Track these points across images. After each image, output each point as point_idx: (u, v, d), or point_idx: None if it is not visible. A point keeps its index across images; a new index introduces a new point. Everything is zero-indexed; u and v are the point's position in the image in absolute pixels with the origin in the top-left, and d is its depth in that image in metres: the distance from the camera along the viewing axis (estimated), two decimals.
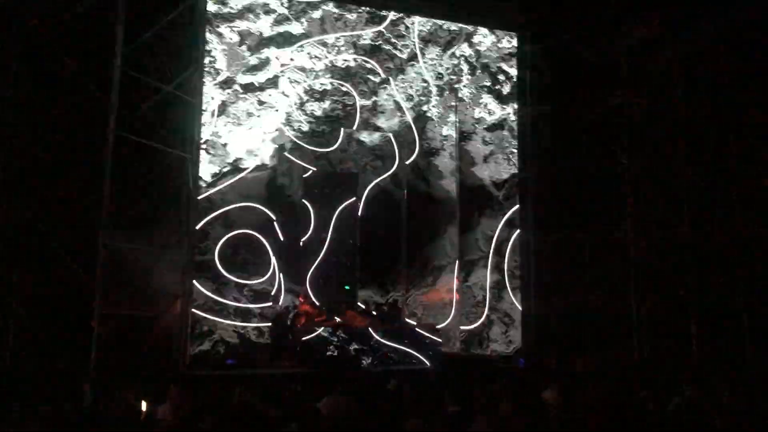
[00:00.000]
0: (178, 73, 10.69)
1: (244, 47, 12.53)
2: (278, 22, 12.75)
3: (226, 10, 12.39)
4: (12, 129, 9.32)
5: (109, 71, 9.67)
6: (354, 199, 13.23)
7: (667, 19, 12.36)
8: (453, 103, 13.91)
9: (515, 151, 13.96)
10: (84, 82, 9.64)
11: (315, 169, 13.07)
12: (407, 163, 13.65)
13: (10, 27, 9.48)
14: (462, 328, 13.29)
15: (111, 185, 9.41)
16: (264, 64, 12.67)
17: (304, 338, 11.31)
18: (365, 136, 13.59)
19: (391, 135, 13.63)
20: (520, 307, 13.21)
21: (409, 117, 13.74)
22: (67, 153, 9.75)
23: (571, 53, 13.01)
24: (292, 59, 12.85)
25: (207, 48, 11.86)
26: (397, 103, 13.66)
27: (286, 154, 12.82)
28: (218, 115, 12.27)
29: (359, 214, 13.25)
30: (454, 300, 13.22)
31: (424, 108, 13.91)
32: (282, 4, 12.80)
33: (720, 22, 12.37)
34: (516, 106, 13.91)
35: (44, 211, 9.47)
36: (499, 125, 14.24)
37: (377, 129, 13.60)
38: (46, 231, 9.28)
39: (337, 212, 13.14)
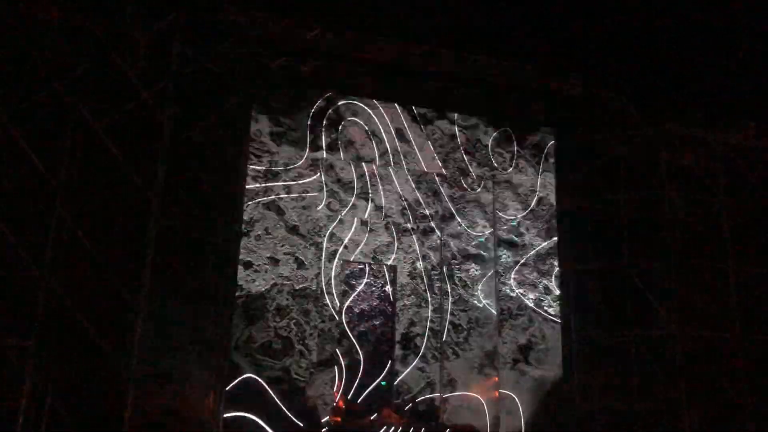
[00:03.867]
0: (220, 169, 11.02)
1: None
2: None
3: None
4: (60, 219, 9.50)
5: (155, 165, 10.01)
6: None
7: (706, 116, 12.47)
8: None
9: None
10: (130, 173, 9.94)
11: None
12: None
13: (67, 117, 9.87)
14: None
15: (151, 277, 9.53)
16: None
17: None
18: None
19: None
20: None
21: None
22: (111, 241, 9.94)
23: (607, 148, 13.13)
24: None
25: None
26: None
27: None
28: None
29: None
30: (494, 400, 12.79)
31: None
32: None
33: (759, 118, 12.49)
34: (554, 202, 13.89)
35: (83, 301, 9.51)
36: None
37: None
38: (84, 322, 9.28)
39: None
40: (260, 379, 11.71)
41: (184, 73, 10.61)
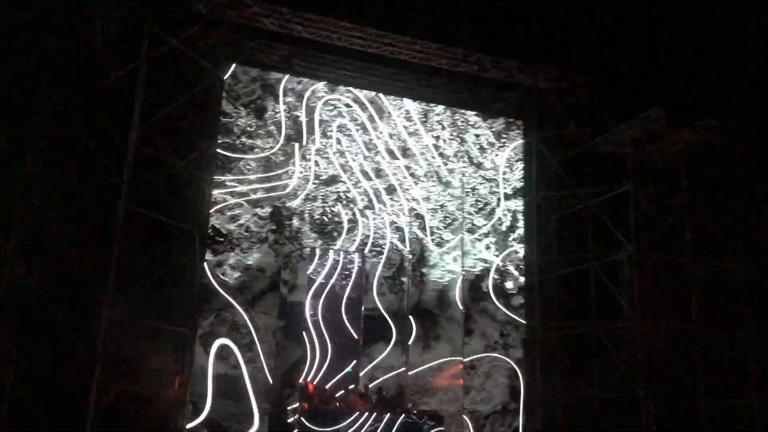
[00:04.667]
0: (191, 151, 10.96)
1: None
2: None
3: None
4: (27, 198, 9.39)
5: (125, 147, 9.93)
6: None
7: (670, 113, 12.67)
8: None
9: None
10: (99, 156, 9.84)
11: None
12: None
13: (34, 99, 9.72)
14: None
15: (118, 259, 9.48)
16: None
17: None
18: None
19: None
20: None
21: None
22: (78, 224, 9.87)
23: (578, 143, 13.32)
24: None
25: None
26: None
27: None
28: None
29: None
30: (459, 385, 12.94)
31: None
32: None
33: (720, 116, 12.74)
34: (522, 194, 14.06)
35: (49, 282, 9.46)
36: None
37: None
38: (48, 301, 9.23)
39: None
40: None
41: (154, 55, 10.48)
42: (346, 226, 13.32)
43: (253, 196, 12.28)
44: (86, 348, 9.26)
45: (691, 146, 12.62)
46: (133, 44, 10.40)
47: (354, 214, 13.38)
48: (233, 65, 12.31)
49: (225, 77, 12.09)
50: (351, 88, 13.40)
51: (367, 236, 13.44)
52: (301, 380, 12.40)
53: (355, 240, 13.35)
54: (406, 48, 12.70)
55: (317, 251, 13.18)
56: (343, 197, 13.26)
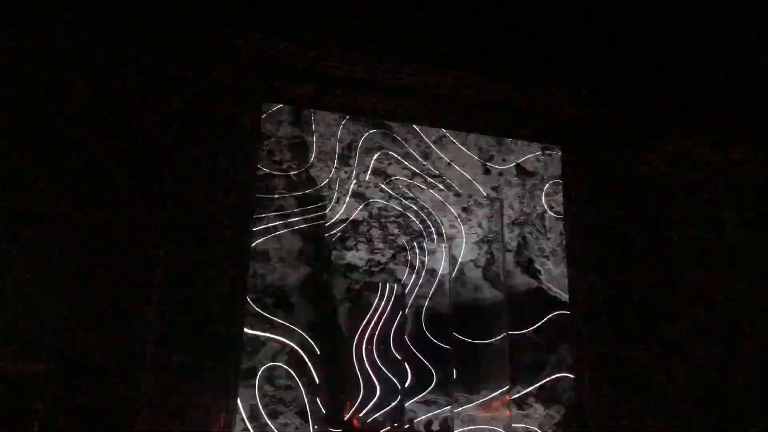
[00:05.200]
0: (228, 192, 10.99)
1: None
2: None
3: None
4: (67, 245, 9.44)
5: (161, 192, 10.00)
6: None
7: (706, 132, 12.56)
8: None
9: None
10: (134, 199, 9.90)
11: None
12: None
13: (69, 144, 9.82)
14: None
15: (159, 301, 9.49)
16: None
17: None
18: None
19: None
20: None
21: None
22: (117, 268, 9.90)
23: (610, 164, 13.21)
24: None
25: None
26: None
27: None
28: None
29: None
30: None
31: None
32: None
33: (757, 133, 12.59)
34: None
35: (92, 328, 9.47)
36: None
37: None
38: (93, 348, 9.22)
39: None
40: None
41: (185, 97, 10.59)
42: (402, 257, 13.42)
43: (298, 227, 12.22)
44: (130, 389, 9.21)
45: (729, 165, 12.46)
46: (163, 85, 10.54)
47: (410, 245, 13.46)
48: (267, 104, 12.41)
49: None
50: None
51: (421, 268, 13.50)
52: (345, 416, 12.29)
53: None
54: (438, 78, 12.65)
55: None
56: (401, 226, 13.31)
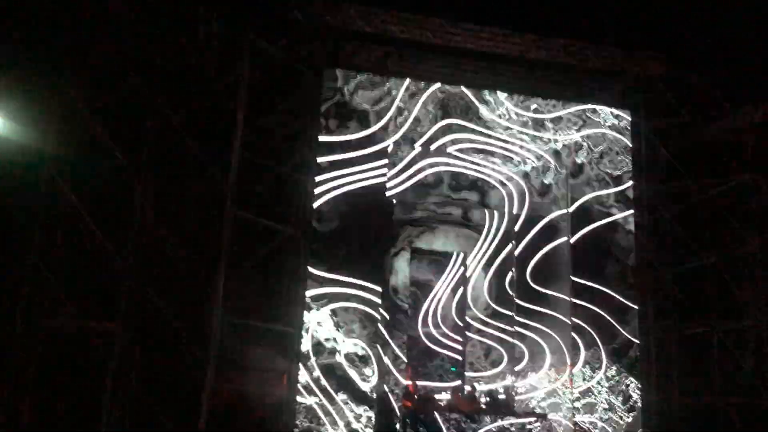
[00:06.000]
0: (293, 156, 11.20)
1: None
2: None
3: None
4: (139, 207, 9.86)
5: (229, 154, 10.27)
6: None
7: None
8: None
9: None
10: (205, 164, 10.20)
11: None
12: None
13: (141, 113, 10.19)
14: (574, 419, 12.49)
15: (227, 263, 9.82)
16: None
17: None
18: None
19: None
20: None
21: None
22: (188, 231, 10.30)
23: (691, 131, 12.60)
24: None
25: None
26: None
27: None
28: None
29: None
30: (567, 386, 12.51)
31: None
32: None
33: None
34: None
35: (164, 287, 9.91)
36: None
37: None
38: (164, 306, 9.65)
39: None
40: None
41: (256, 65, 10.77)
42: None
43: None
44: (200, 349, 9.62)
45: None
46: (233, 54, 10.75)
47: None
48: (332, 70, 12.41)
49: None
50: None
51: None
52: (405, 380, 12.44)
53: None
54: (503, 41, 12.39)
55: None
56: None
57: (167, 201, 10.27)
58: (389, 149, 12.40)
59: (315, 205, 11.61)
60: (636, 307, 12.47)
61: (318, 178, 11.69)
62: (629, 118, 13.33)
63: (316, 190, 11.67)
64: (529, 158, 13.14)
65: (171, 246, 9.92)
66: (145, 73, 10.22)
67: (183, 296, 10.05)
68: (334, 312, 11.49)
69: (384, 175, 12.26)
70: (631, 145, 13.18)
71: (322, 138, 11.85)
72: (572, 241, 12.78)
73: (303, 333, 11.12)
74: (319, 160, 11.73)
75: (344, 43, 12.02)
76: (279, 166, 10.97)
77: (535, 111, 13.17)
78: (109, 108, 10.13)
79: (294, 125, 11.35)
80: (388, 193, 12.57)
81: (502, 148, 13.10)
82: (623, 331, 12.39)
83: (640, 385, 12.21)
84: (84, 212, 9.58)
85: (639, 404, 12.17)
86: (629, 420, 12.12)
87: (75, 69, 10.04)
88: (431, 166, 13.13)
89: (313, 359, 11.26)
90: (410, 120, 12.59)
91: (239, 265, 10.18)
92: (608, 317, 12.43)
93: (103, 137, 9.81)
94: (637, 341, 12.32)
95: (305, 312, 11.21)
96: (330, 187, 11.83)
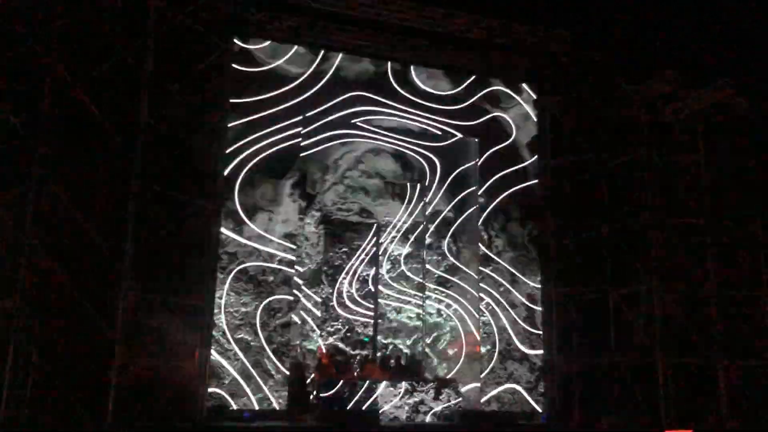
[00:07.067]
0: (201, 123, 10.95)
1: None
2: None
3: None
4: (40, 181, 9.39)
5: (136, 123, 9.92)
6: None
7: (685, 74, 12.48)
8: None
9: None
10: (111, 133, 9.82)
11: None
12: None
13: (43, 81, 9.66)
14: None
15: (135, 237, 9.55)
16: None
17: (323, 393, 11.14)
18: None
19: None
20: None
21: None
22: (93, 203, 9.90)
23: (590, 107, 13.19)
24: None
25: None
26: None
27: None
28: None
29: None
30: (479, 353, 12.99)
31: None
32: None
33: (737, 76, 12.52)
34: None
35: (68, 261, 9.51)
36: None
37: None
38: (68, 281, 9.30)
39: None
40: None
41: (161, 30, 10.41)
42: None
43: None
44: (108, 325, 9.35)
45: (707, 107, 12.44)
46: (139, 20, 10.35)
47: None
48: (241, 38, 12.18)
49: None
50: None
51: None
52: (316, 351, 12.57)
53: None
54: (414, 14, 12.50)
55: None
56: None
57: (70, 172, 9.82)
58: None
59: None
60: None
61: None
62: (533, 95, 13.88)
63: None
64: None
65: (75, 217, 9.50)
66: (44, 38, 9.69)
67: (90, 271, 9.70)
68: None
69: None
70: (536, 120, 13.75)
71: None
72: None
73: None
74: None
75: (255, 11, 11.82)
76: (187, 135, 10.71)
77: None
78: (4, 75, 9.57)
79: (202, 94, 11.06)
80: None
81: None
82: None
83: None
84: None
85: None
86: None
87: None
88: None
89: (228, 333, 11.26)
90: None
91: (148, 239, 9.92)
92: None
93: None
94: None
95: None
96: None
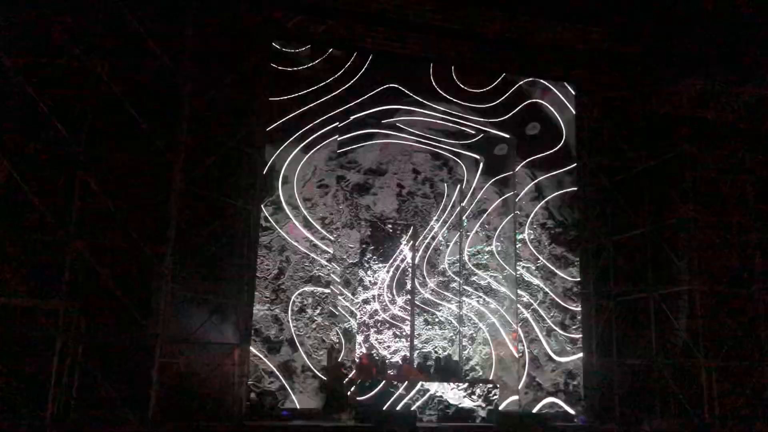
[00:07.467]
0: (240, 128, 11.10)
1: None
2: None
3: None
4: (86, 184, 9.63)
5: (177, 128, 10.12)
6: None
7: (728, 70, 12.23)
8: None
9: None
10: (152, 137, 10.02)
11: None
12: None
13: (85, 85, 9.91)
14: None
15: (175, 237, 9.74)
16: None
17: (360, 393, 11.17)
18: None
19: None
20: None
21: None
22: (135, 204, 10.13)
23: (631, 105, 12.99)
24: None
25: None
26: None
27: None
28: None
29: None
30: (514, 354, 12.89)
31: None
32: None
33: None
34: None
35: (112, 263, 9.76)
36: None
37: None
38: (112, 281, 9.51)
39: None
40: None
41: (200, 35, 10.59)
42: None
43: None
44: (149, 325, 9.54)
45: (752, 103, 12.18)
46: (178, 27, 10.55)
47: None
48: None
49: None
50: None
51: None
52: (356, 355, 12.63)
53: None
54: (450, 15, 12.49)
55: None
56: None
57: (112, 175, 10.06)
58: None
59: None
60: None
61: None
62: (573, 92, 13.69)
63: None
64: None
65: (117, 220, 9.72)
66: (85, 43, 9.94)
67: (130, 271, 9.93)
68: None
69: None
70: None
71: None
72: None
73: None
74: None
75: (291, 15, 11.95)
76: (228, 138, 10.87)
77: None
78: (49, 80, 9.85)
79: (242, 98, 11.23)
80: None
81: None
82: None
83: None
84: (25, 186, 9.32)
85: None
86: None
87: (11, 38, 9.71)
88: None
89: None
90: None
91: (187, 241, 10.10)
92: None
93: (42, 109, 9.52)
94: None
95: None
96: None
